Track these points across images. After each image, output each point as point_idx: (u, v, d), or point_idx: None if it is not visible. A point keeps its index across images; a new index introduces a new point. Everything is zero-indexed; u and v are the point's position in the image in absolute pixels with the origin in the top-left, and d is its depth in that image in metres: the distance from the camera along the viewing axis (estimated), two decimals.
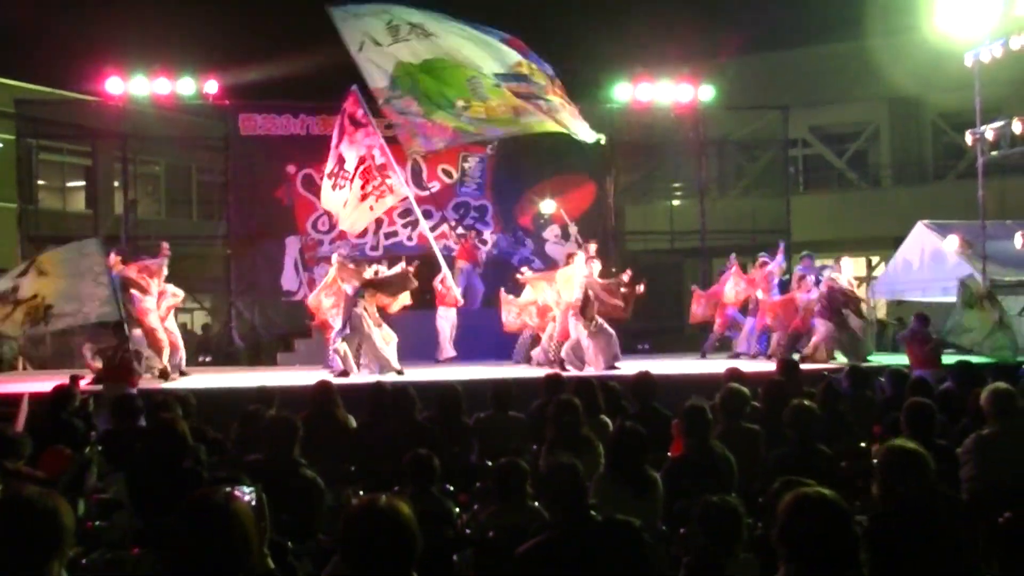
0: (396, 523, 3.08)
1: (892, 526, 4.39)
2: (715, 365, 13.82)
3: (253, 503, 3.83)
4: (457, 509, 6.01)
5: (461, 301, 16.34)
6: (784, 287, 15.99)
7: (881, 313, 21.35)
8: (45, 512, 2.93)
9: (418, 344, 15.41)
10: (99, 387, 11.41)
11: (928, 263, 16.99)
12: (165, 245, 14.21)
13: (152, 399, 8.67)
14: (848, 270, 15.39)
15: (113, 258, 13.27)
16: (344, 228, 15.25)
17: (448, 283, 15.68)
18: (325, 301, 14.28)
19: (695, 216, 20.71)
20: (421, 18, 13.79)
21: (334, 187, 14.45)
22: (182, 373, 14.01)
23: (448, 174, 19.12)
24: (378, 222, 18.50)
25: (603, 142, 14.99)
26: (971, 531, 4.47)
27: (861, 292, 21.35)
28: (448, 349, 16.24)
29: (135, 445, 7.17)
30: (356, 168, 14.23)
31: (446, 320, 16.29)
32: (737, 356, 15.83)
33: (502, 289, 15.91)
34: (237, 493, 3.57)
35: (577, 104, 14.30)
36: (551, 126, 14.09)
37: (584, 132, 14.08)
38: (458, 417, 8.23)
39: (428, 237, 15.52)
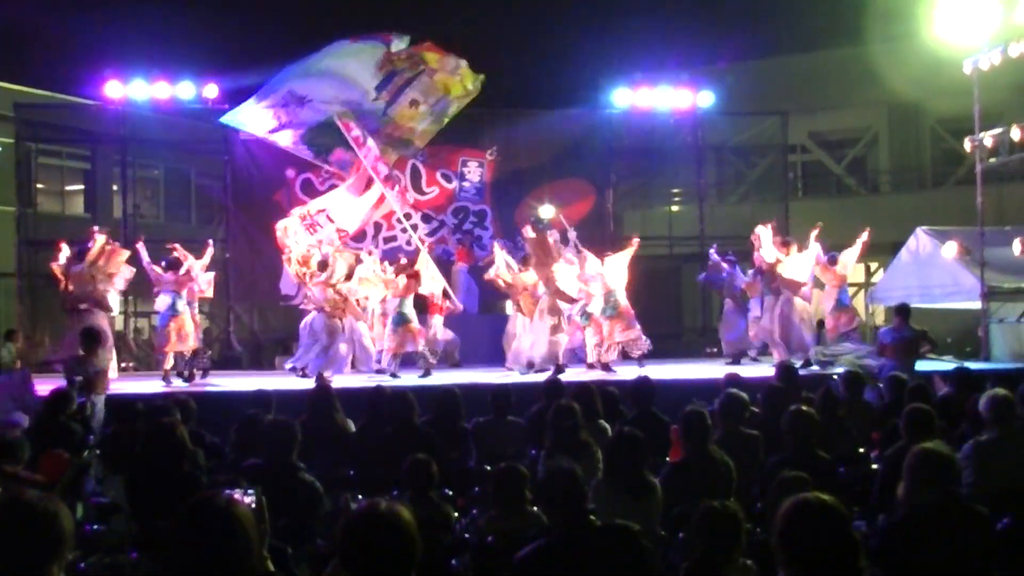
0: (397, 528, 3.07)
1: (914, 529, 4.37)
2: (714, 370, 13.81)
3: (253, 505, 3.83)
4: (456, 514, 6.01)
5: (459, 307, 16.36)
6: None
7: (880, 319, 21.35)
8: (45, 515, 2.92)
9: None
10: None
11: (927, 269, 17.01)
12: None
13: (151, 403, 8.67)
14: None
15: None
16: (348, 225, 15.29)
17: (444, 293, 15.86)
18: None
19: (694, 222, 20.73)
20: (288, 84, 14.19)
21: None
22: (186, 378, 13.96)
23: (447, 179, 19.13)
24: (376, 226, 18.54)
25: (481, 83, 15.08)
26: (990, 543, 4.45)
27: (859, 299, 21.40)
28: (450, 355, 16.29)
29: (134, 449, 7.17)
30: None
31: (437, 328, 16.30)
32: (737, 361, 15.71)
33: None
34: (238, 496, 3.57)
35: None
36: (441, 115, 14.54)
37: (471, 82, 14.50)
38: (457, 422, 8.23)
39: (424, 257, 15.51)
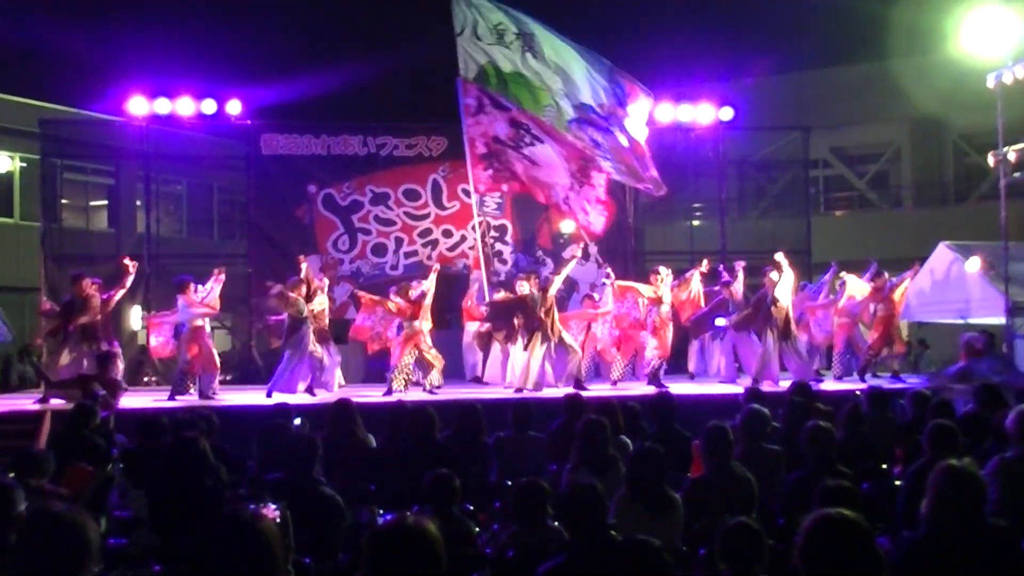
0: (424, 543, 3.08)
1: (938, 547, 4.33)
2: (735, 386, 13.77)
3: (278, 520, 3.85)
4: (477, 529, 6.00)
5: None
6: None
7: (904, 334, 21.21)
8: (73, 528, 2.95)
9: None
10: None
11: (950, 285, 16.89)
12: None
13: (175, 418, 8.71)
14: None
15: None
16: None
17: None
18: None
19: (715, 236, 20.68)
20: (532, 29, 14.20)
21: None
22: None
23: (468, 193, 19.14)
24: (398, 241, 18.61)
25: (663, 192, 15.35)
26: (1015, 562, 4.39)
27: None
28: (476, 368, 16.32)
29: (156, 463, 7.20)
30: None
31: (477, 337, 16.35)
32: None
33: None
34: (264, 510, 3.59)
35: None
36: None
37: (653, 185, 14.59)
38: (478, 436, 8.24)
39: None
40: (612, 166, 14.67)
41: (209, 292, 13.83)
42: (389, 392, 13.52)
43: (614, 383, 15.10)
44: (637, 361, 15.63)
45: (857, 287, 16.08)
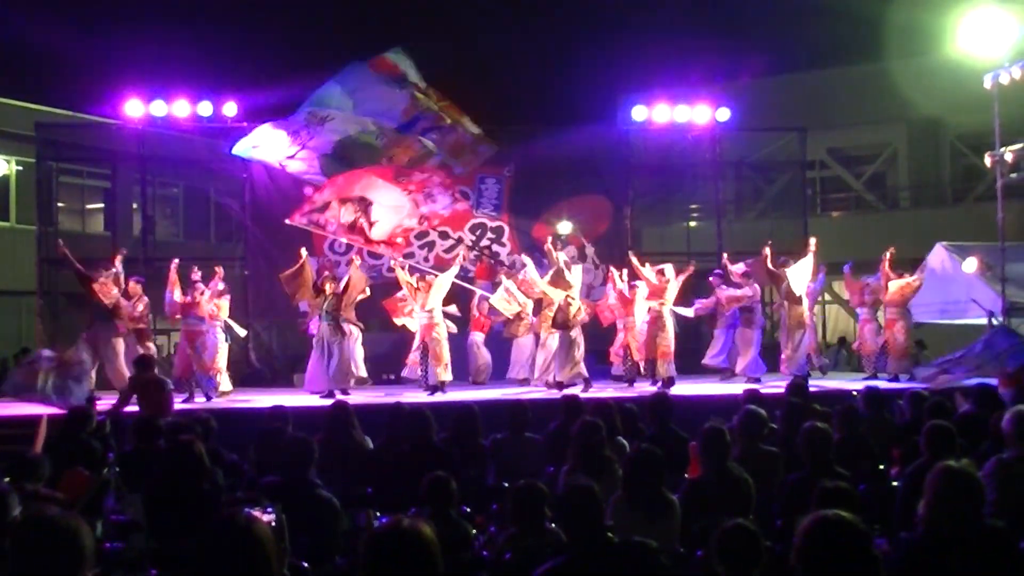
0: (419, 545, 3.07)
1: (936, 548, 4.33)
2: (733, 387, 13.77)
3: (273, 523, 3.83)
4: (474, 531, 5.99)
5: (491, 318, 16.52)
6: None
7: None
8: (67, 532, 2.94)
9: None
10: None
11: (947, 285, 16.91)
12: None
13: (171, 422, 8.68)
14: None
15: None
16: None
17: (483, 307, 16.29)
18: None
19: (712, 237, 20.69)
20: (306, 107, 14.21)
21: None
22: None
23: (465, 195, 19.14)
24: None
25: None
26: (1013, 563, 4.38)
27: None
28: (482, 373, 16.41)
29: (153, 467, 7.18)
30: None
31: (478, 345, 16.43)
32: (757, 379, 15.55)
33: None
34: (258, 514, 3.58)
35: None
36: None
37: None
38: (475, 439, 8.23)
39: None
40: (447, 160, 14.82)
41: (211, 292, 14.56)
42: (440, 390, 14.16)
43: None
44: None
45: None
